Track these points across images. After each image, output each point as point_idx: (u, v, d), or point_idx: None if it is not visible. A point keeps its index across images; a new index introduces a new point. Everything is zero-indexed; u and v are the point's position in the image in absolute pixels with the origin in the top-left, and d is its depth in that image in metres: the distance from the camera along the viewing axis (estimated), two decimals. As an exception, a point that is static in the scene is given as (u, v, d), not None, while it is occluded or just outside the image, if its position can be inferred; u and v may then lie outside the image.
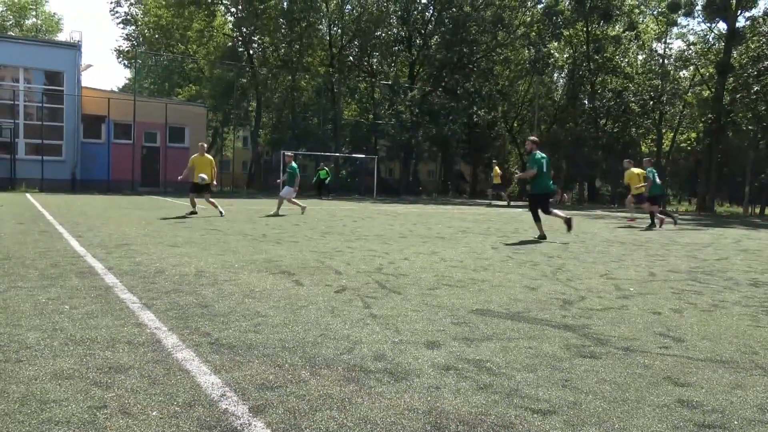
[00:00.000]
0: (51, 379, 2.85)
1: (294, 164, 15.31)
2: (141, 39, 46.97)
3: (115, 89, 48.31)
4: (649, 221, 14.91)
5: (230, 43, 43.09)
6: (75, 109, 29.31)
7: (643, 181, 15.06)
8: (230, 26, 43.65)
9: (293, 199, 15.47)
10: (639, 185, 15.37)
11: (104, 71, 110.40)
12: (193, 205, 14.04)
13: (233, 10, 41.09)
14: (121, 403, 2.58)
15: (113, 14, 46.91)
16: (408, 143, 39.46)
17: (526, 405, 2.73)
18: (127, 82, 57.18)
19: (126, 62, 50.61)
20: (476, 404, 2.72)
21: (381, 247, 8.59)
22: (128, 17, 46.71)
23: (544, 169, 10.48)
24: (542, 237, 10.50)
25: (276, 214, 14.56)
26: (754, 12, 35.88)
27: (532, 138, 10.83)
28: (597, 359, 3.49)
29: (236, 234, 9.87)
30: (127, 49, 47.86)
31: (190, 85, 45.04)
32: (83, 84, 30.60)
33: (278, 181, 18.77)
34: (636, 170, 15.82)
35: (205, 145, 14.72)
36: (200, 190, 13.88)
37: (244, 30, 41.15)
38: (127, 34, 48.33)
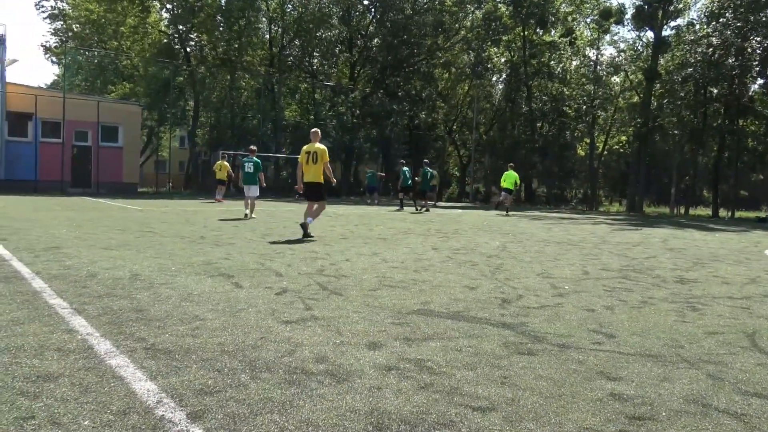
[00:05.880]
0: (-27, 390, 2.70)
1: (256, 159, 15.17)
2: (70, 34, 44.99)
3: (43, 86, 46.10)
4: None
5: (166, 40, 41.91)
6: (-1, 105, 27.88)
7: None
8: (165, 23, 42.46)
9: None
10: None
11: (31, 67, 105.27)
12: None
13: (168, 6, 40.00)
14: (50, 414, 2.47)
15: (39, 8, 44.76)
16: (349, 144, 39.41)
17: (466, 403, 2.78)
18: (55, 78, 54.71)
19: (54, 58, 48.37)
20: (417, 403, 2.74)
21: (322, 249, 8.55)
22: (55, 11, 44.68)
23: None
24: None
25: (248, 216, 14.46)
26: (679, 21, 37.85)
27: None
28: (534, 356, 3.58)
29: (173, 236, 9.61)
30: (54, 44, 45.77)
31: (124, 82, 43.55)
32: (8, 80, 29.14)
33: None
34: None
35: None
36: None
37: (180, 27, 40.10)
38: (54, 29, 46.19)
